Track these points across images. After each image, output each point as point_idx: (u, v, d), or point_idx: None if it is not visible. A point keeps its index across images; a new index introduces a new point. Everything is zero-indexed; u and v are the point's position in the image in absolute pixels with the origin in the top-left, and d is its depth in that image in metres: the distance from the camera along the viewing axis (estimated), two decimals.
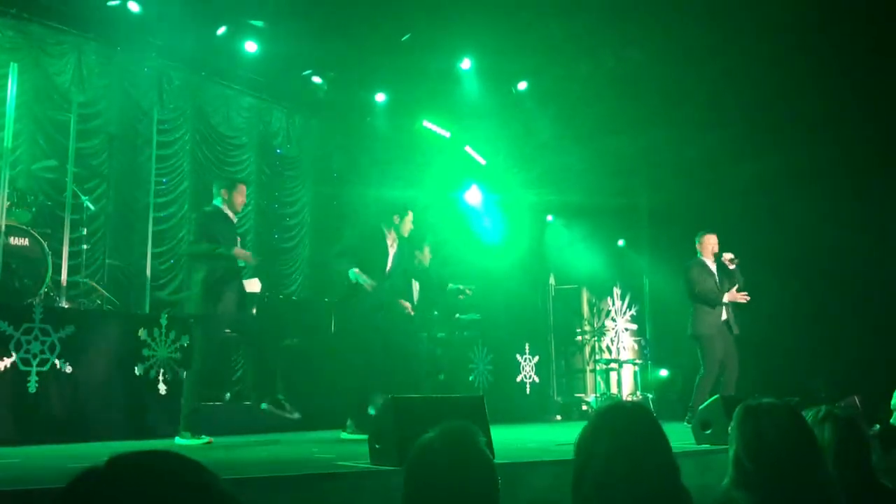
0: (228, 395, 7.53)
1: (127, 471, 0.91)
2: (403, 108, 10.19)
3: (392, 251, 6.40)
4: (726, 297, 6.95)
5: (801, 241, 9.71)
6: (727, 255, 7.13)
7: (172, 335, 6.52)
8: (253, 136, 9.62)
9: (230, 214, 5.78)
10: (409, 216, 6.43)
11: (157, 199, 8.44)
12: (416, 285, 7.26)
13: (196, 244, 5.66)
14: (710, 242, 7.22)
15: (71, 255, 7.03)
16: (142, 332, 6.30)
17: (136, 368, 6.21)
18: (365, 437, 5.67)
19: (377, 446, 3.70)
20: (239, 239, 5.97)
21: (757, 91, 9.25)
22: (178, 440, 5.40)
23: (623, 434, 1.86)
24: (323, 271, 9.83)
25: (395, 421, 3.61)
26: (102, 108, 7.96)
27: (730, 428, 2.09)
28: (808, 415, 2.46)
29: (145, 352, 6.31)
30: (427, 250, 7.54)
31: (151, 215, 8.15)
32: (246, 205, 9.43)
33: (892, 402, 5.95)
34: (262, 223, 9.74)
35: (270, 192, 9.93)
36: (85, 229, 7.07)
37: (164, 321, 6.48)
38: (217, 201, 5.78)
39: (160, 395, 6.32)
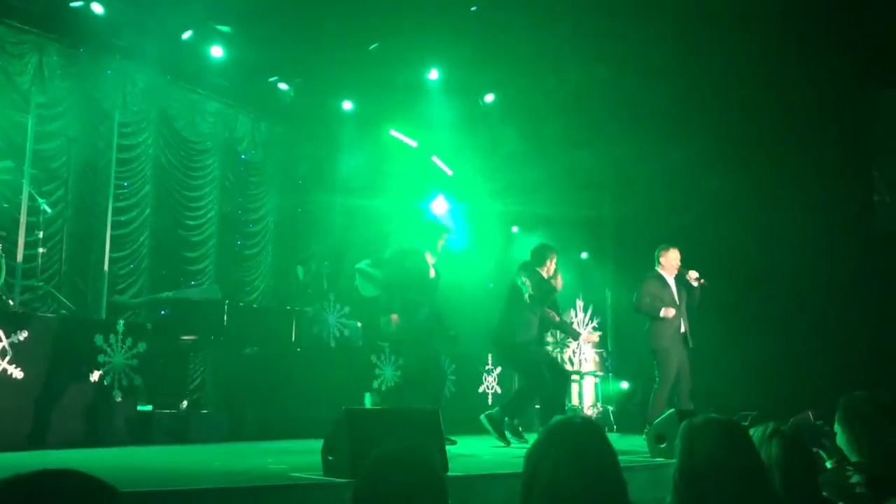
0: (185, 403, 7.41)
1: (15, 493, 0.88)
2: (370, 116, 10.18)
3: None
4: (663, 312, 6.98)
5: (764, 255, 9.85)
6: (692, 274, 7.16)
7: (129, 342, 6.41)
8: (218, 141, 9.53)
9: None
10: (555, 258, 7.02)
11: (118, 203, 8.32)
12: None
13: None
14: (671, 257, 7.23)
15: (26, 259, 6.89)
16: (98, 339, 6.20)
17: (91, 375, 6.09)
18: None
19: (330, 458, 3.67)
20: None
21: (722, 105, 9.39)
22: None
23: (571, 450, 1.88)
24: (285, 279, 9.76)
25: (350, 433, 3.58)
26: (63, 110, 7.82)
27: (675, 443, 2.11)
28: (757, 432, 2.47)
29: (101, 358, 6.21)
30: (558, 277, 7.53)
31: (111, 219, 8.02)
32: (209, 210, 9.41)
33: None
34: (224, 229, 9.64)
35: (234, 197, 9.84)
36: (41, 232, 6.92)
37: (120, 327, 6.37)
38: None
39: (115, 402, 6.21)
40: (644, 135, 9.74)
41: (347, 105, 10.08)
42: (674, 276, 7.20)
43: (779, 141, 9.53)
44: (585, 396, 10.95)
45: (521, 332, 6.79)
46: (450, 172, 11.36)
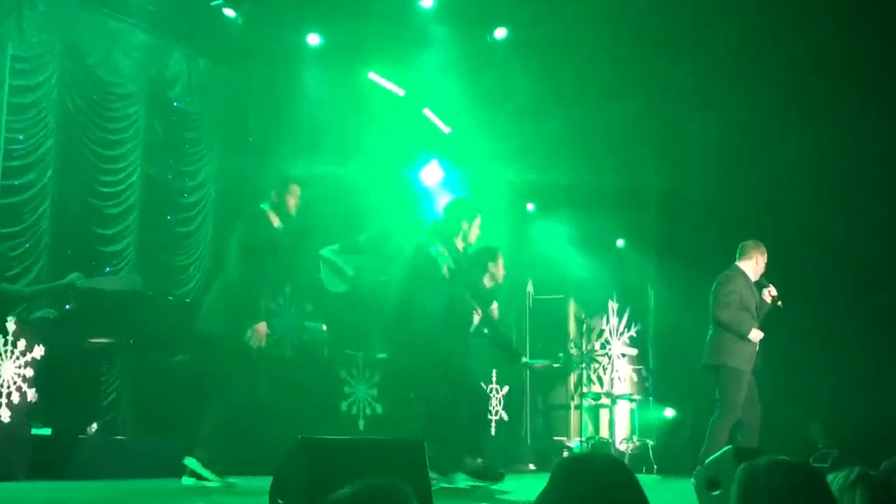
0: (95, 426, 7.43)
1: None
2: (344, 55, 10.13)
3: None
4: (753, 335, 7.02)
5: (853, 242, 9.82)
6: (771, 291, 7.19)
7: (21, 345, 6.41)
8: (143, 83, 9.49)
9: None
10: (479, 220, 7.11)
11: (10, 163, 8.28)
12: None
13: None
14: (759, 258, 7.24)
15: None
16: None
17: None
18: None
19: (280, 502, 3.67)
20: None
21: (808, 38, 9.19)
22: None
23: (591, 500, 1.87)
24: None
25: (307, 469, 3.58)
26: None
27: (730, 490, 2.12)
28: (838, 478, 2.48)
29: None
30: (500, 264, 7.60)
31: (0, 183, 7.98)
32: (130, 173, 9.38)
33: None
34: (150, 199, 9.61)
35: (163, 158, 9.80)
36: None
37: (9, 326, 6.36)
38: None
39: (1, 423, 6.21)
40: (699, 81, 9.69)
41: (313, 39, 10.02)
42: (754, 282, 7.23)
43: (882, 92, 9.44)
44: (618, 427, 10.98)
45: (427, 318, 6.64)
46: (446, 130, 11.33)
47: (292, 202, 6.64)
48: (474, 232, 7.06)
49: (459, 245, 6.97)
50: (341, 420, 8.74)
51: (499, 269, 7.49)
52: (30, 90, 8.51)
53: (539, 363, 7.97)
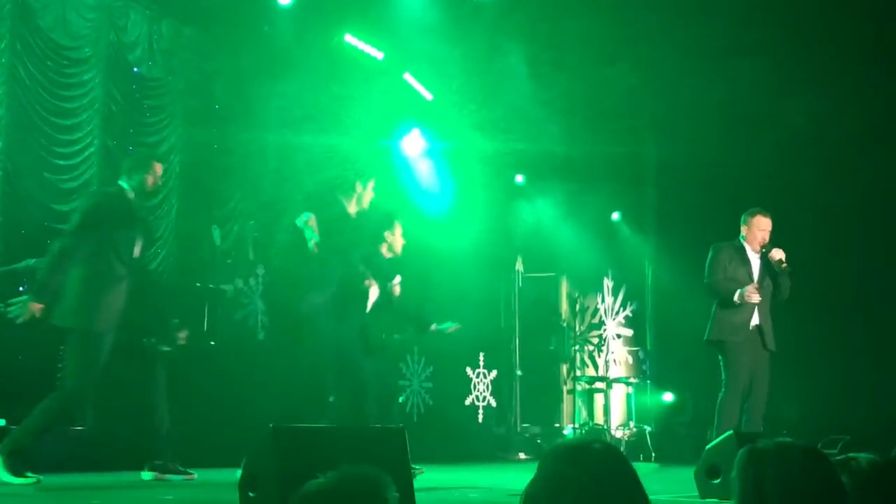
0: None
1: None
2: (317, 15, 10.04)
3: None
4: (736, 296, 7.03)
5: (863, 217, 9.86)
6: (776, 253, 7.20)
7: None
8: (100, 47, 9.39)
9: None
10: (373, 183, 6.81)
11: None
12: None
13: None
14: (756, 227, 7.27)
15: None
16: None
17: None
18: None
19: (251, 494, 3.67)
20: None
21: (810, 2, 9.22)
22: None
23: (583, 489, 1.85)
24: (194, 244, 9.68)
25: (278, 460, 3.57)
26: None
27: (731, 477, 2.10)
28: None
29: None
30: (398, 233, 7.43)
31: None
32: (87, 145, 9.29)
33: None
34: (109, 172, 9.52)
35: (123, 128, 9.72)
36: None
37: None
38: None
39: None
40: (702, 45, 9.67)
41: None
42: (758, 252, 7.24)
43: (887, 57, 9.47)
44: (613, 412, 11.01)
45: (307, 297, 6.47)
46: (429, 97, 11.27)
47: (150, 181, 6.29)
48: (368, 195, 6.73)
49: (352, 210, 6.66)
50: (321, 407, 8.72)
51: (396, 238, 7.32)
52: None
53: (451, 327, 7.71)
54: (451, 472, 7.46)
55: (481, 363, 10.33)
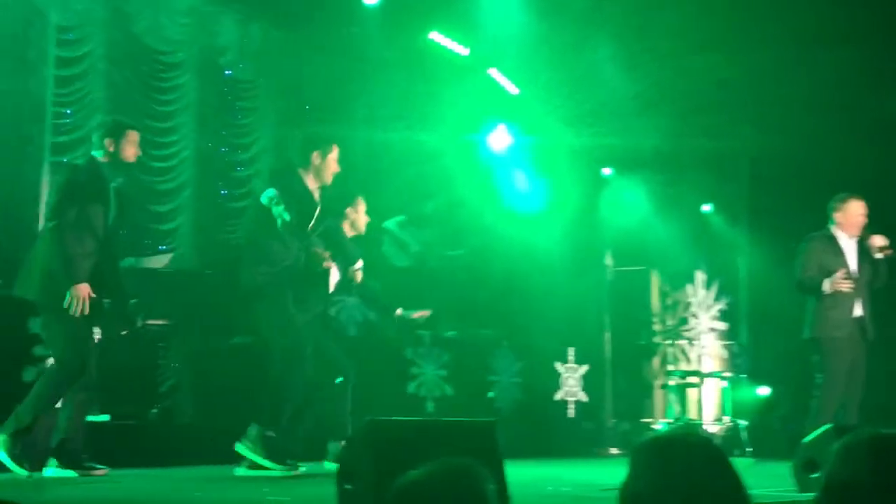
0: (155, 411, 7.57)
1: None
2: (403, 14, 10.09)
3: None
4: (826, 285, 6.88)
5: None
6: (877, 240, 7.04)
7: None
8: (193, 51, 9.60)
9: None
10: (335, 153, 6.29)
11: (57, 138, 8.44)
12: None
13: None
14: (853, 212, 7.12)
15: None
16: (34, 324, 6.44)
17: (23, 371, 6.39)
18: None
19: (347, 487, 3.71)
20: None
21: None
22: None
23: (680, 486, 1.84)
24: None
25: (373, 453, 3.61)
26: None
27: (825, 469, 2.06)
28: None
29: (38, 351, 6.47)
30: (360, 209, 7.03)
31: (48, 160, 8.14)
32: (182, 147, 9.50)
33: None
34: (204, 174, 9.73)
35: (216, 130, 9.92)
36: None
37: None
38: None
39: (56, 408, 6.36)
40: (796, 34, 9.49)
41: None
42: (855, 239, 7.10)
43: None
44: (706, 407, 10.87)
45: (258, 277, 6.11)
46: (514, 91, 11.25)
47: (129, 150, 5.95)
48: (330, 168, 6.25)
49: (312, 185, 6.21)
50: (409, 402, 8.81)
51: (360, 215, 6.97)
52: (75, 61, 8.67)
53: (418, 313, 7.41)
54: (542, 468, 7.46)
55: (571, 358, 10.29)
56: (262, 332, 6.55)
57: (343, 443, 5.72)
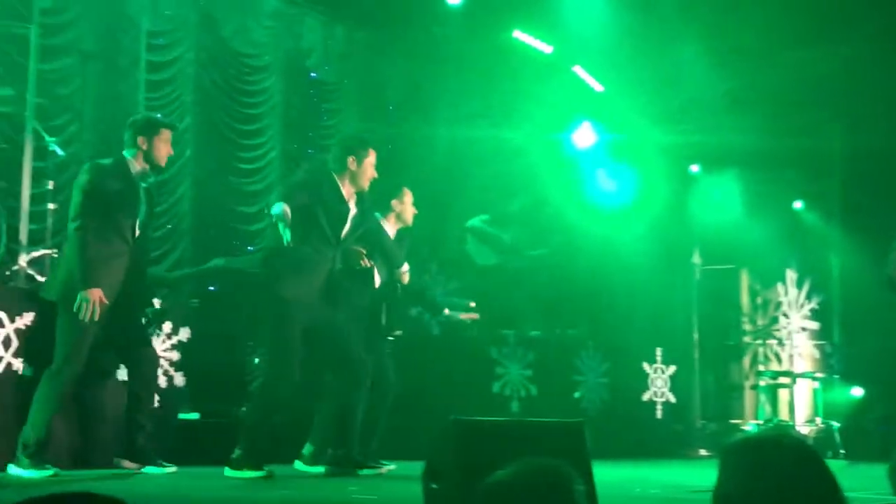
0: (244, 409, 7.67)
1: None
2: (487, 12, 10.09)
3: (352, 210, 6.07)
4: None
5: None
6: None
7: (167, 328, 6.68)
8: (279, 54, 9.72)
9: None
10: (371, 158, 6.09)
11: None
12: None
13: None
14: None
15: (33, 218, 7.24)
16: None
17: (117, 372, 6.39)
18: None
19: (433, 486, 3.72)
20: None
21: None
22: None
23: (774, 488, 1.82)
24: None
25: (458, 452, 3.61)
26: (74, 17, 8.13)
27: None
28: None
29: None
30: (407, 201, 6.84)
31: None
32: (269, 148, 9.62)
33: None
34: (290, 175, 9.83)
35: (302, 131, 10.03)
36: (52, 182, 7.27)
37: (154, 308, 6.62)
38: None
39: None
40: (890, 30, 9.26)
41: None
42: None
43: None
44: (798, 408, 10.67)
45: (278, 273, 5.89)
46: (599, 89, 11.16)
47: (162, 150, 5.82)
48: (367, 174, 6.00)
49: (347, 191, 5.98)
50: (493, 402, 8.79)
51: (405, 206, 6.71)
52: (165, 66, 8.84)
53: (467, 315, 7.18)
54: (630, 469, 7.39)
55: (659, 358, 10.17)
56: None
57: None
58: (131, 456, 5.83)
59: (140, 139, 5.74)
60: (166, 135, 5.84)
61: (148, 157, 5.76)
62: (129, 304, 5.73)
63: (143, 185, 5.80)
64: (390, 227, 6.73)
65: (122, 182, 5.66)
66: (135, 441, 5.82)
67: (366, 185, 6.04)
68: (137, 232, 5.73)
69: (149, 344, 6.13)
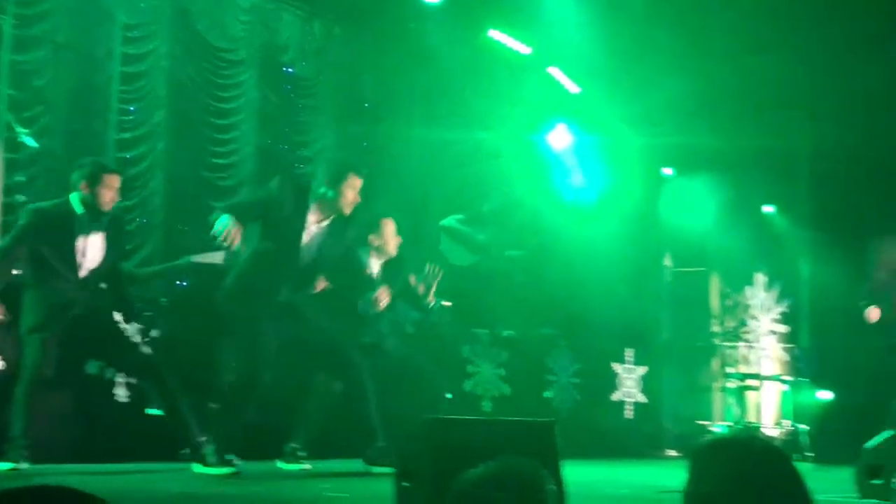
0: (214, 406, 7.64)
1: None
2: (464, 12, 10.10)
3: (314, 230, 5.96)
4: (869, 312, 6.78)
5: None
6: None
7: (138, 325, 6.64)
8: (254, 49, 9.67)
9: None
10: (353, 181, 5.94)
11: (122, 135, 8.55)
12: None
13: None
14: None
15: (5, 210, 7.18)
16: None
17: (86, 367, 6.38)
18: None
19: (405, 485, 3.73)
20: None
21: None
22: None
23: (744, 490, 1.83)
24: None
25: (431, 451, 3.62)
26: (49, 8, 8.06)
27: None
28: None
29: None
30: (387, 232, 6.70)
31: (113, 156, 8.24)
32: (243, 143, 9.58)
33: None
34: (264, 171, 9.79)
35: (278, 127, 9.98)
36: (24, 175, 7.22)
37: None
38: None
39: (117, 404, 6.47)
40: (857, 31, 9.35)
41: None
42: None
43: None
44: (766, 411, 10.76)
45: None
46: (575, 90, 11.20)
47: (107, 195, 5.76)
48: (348, 200, 5.84)
49: (312, 217, 5.89)
50: (465, 401, 8.80)
51: (385, 238, 6.59)
52: (140, 59, 8.76)
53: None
54: (599, 469, 7.41)
55: (629, 359, 10.22)
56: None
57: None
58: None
59: (82, 185, 5.67)
60: (111, 181, 5.75)
61: (91, 202, 5.68)
62: (97, 325, 5.75)
63: (96, 226, 5.72)
64: (375, 262, 6.64)
65: (59, 228, 5.63)
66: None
67: (347, 209, 5.89)
68: (85, 265, 5.68)
69: (135, 348, 6.16)
